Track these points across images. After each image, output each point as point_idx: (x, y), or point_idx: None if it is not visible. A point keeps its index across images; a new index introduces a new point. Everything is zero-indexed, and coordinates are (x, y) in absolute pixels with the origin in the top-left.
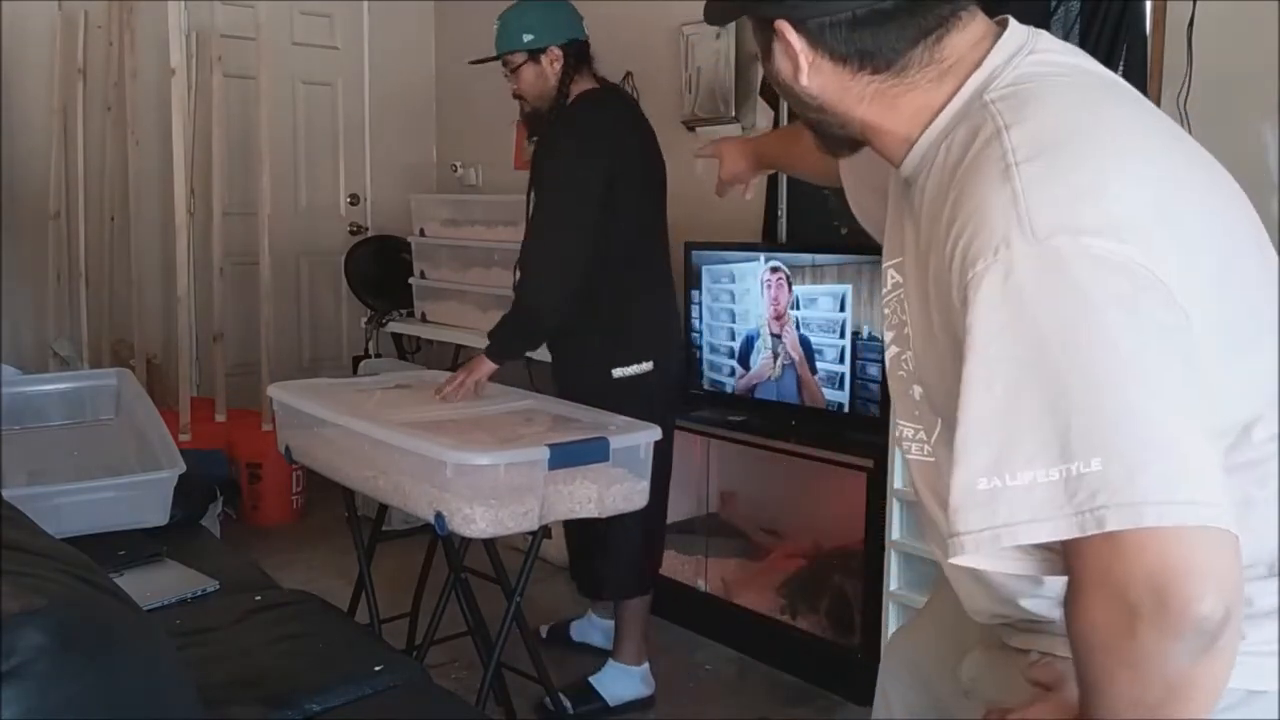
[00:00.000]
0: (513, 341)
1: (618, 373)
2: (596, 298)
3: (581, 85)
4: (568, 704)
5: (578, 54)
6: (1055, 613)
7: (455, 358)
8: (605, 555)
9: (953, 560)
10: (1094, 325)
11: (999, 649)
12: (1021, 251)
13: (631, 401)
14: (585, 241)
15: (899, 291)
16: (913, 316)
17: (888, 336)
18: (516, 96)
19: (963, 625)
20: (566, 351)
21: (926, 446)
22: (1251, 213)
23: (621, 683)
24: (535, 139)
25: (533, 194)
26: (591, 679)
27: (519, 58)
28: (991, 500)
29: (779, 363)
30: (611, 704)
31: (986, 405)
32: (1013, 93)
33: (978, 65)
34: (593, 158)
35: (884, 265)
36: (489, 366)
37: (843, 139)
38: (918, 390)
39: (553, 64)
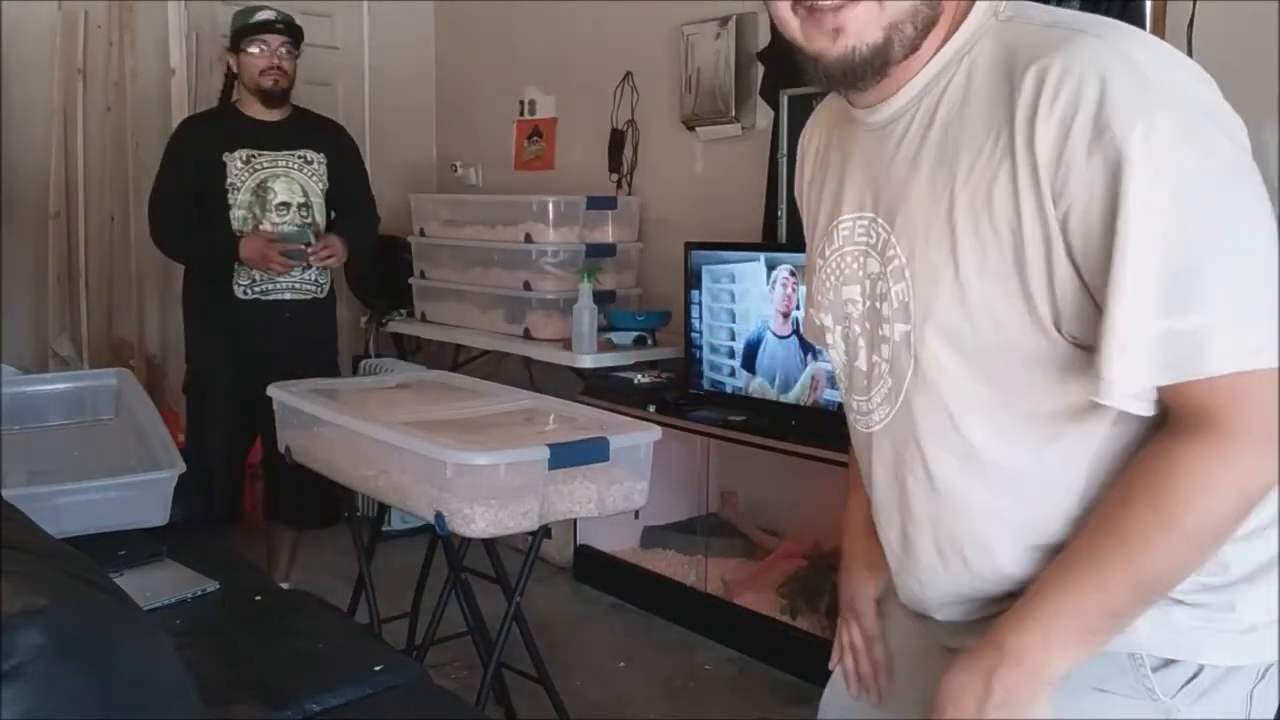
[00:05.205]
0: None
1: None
2: None
3: None
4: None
5: None
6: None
7: (455, 358)
8: (306, 493)
9: (1130, 389)
10: (1242, 168)
11: (946, 655)
12: (1160, 101)
13: None
14: None
15: (868, 238)
16: (916, 245)
17: (846, 294)
18: (283, 71)
19: (922, 651)
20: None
21: (887, 408)
22: None
23: None
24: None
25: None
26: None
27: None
28: (1169, 338)
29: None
30: None
31: (1156, 251)
32: (1027, 10)
33: None
34: None
35: (841, 219)
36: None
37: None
38: (899, 329)
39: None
